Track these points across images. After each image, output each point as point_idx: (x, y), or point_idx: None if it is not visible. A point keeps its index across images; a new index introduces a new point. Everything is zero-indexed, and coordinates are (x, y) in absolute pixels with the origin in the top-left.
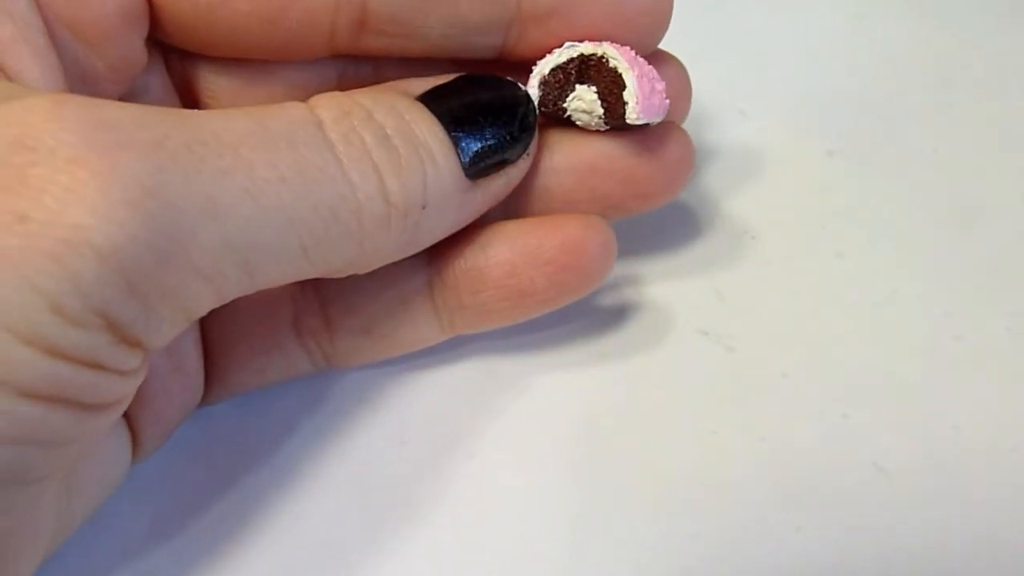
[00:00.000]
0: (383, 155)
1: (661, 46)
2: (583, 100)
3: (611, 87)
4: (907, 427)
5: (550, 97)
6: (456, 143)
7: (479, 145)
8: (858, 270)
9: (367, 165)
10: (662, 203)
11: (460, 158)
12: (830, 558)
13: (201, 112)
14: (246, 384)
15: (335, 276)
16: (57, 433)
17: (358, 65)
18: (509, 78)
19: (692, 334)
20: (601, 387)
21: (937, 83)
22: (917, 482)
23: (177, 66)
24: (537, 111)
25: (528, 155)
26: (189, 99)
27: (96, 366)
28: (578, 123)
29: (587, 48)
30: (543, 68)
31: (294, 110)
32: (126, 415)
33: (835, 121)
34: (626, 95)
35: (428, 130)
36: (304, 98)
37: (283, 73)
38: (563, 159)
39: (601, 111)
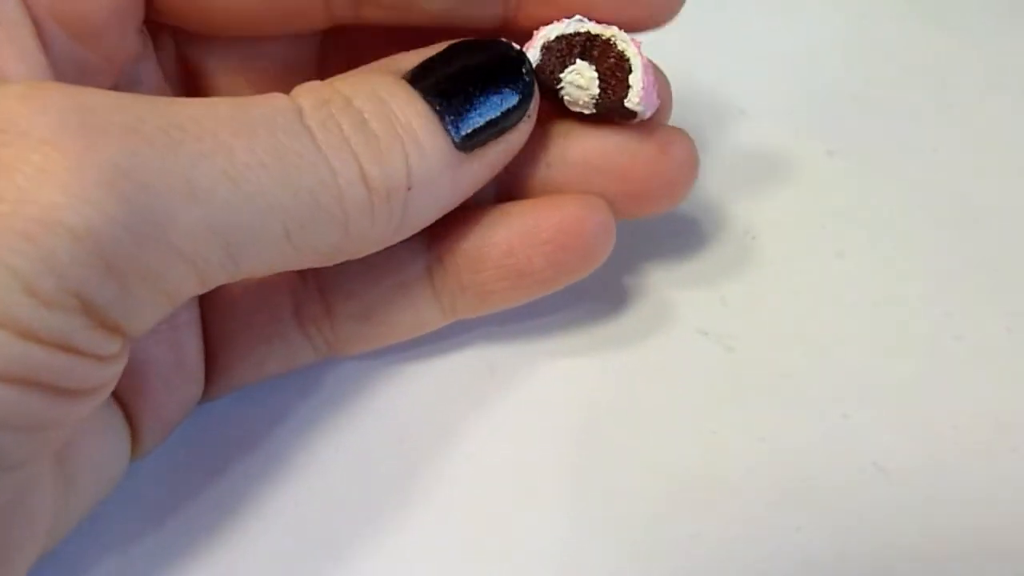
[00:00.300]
0: (360, 140)
1: (660, 46)
2: (581, 76)
3: (614, 70)
4: (907, 427)
5: (548, 65)
6: (443, 117)
7: (470, 116)
8: (858, 270)
9: (346, 152)
10: (661, 208)
11: (450, 133)
12: (830, 558)
13: (179, 99)
14: (247, 376)
15: (327, 264)
16: (32, 418)
17: (348, 45)
18: (504, 39)
19: (692, 334)
20: (601, 386)
21: (937, 83)
22: (917, 482)
23: (168, 54)
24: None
25: (529, 118)
26: (181, 87)
27: (71, 350)
28: (566, 99)
29: (595, 28)
30: (548, 33)
31: (274, 99)
32: (126, 411)
33: (835, 121)
34: (632, 79)
35: (410, 109)
36: (299, 81)
37: (277, 54)
38: (559, 153)
39: (597, 91)
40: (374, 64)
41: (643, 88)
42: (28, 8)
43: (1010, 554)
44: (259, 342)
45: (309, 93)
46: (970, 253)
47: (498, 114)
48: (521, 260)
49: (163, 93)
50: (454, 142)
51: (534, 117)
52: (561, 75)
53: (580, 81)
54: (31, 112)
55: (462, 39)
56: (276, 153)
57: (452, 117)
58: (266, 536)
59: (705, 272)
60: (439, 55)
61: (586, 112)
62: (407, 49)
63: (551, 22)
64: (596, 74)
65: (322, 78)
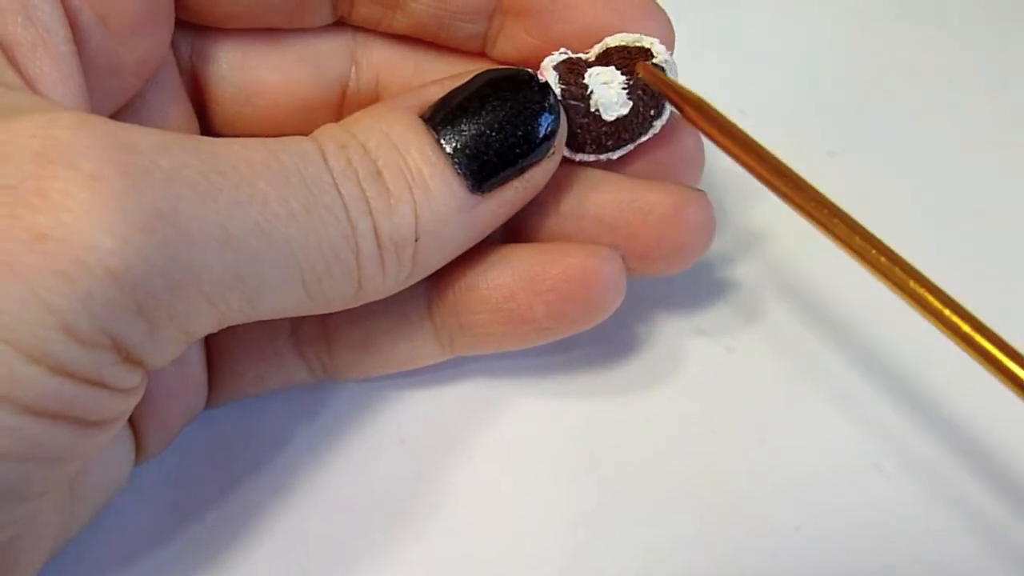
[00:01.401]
0: (374, 193)
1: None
2: (602, 73)
3: (626, 55)
4: (907, 427)
5: (570, 78)
6: (457, 160)
7: (487, 157)
8: (858, 270)
9: (363, 205)
10: (670, 270)
11: (464, 176)
12: (830, 558)
13: (218, 141)
14: (245, 390)
15: (332, 311)
16: (59, 449)
17: (359, 49)
18: (527, 69)
19: (692, 334)
20: (601, 387)
21: (937, 83)
22: (917, 482)
23: (184, 58)
24: (559, 98)
25: (553, 155)
26: (193, 95)
27: (100, 384)
28: (601, 103)
29: (584, 54)
30: (551, 60)
31: (301, 143)
32: (130, 419)
33: (835, 121)
34: (645, 43)
35: (420, 156)
36: (319, 95)
37: (289, 61)
38: (572, 204)
39: (622, 76)
40: (397, 98)
41: (658, 41)
42: (63, 2)
43: (1010, 554)
44: (257, 359)
45: (330, 139)
46: (970, 253)
47: (517, 153)
48: (522, 306)
49: (181, 99)
50: (468, 185)
51: (560, 153)
52: (585, 80)
53: (604, 77)
54: (83, 145)
55: (485, 69)
56: (306, 205)
57: (467, 159)
58: (265, 545)
59: (705, 272)
60: (458, 89)
61: (624, 112)
62: (407, 69)
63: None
64: (612, 66)
65: (340, 116)
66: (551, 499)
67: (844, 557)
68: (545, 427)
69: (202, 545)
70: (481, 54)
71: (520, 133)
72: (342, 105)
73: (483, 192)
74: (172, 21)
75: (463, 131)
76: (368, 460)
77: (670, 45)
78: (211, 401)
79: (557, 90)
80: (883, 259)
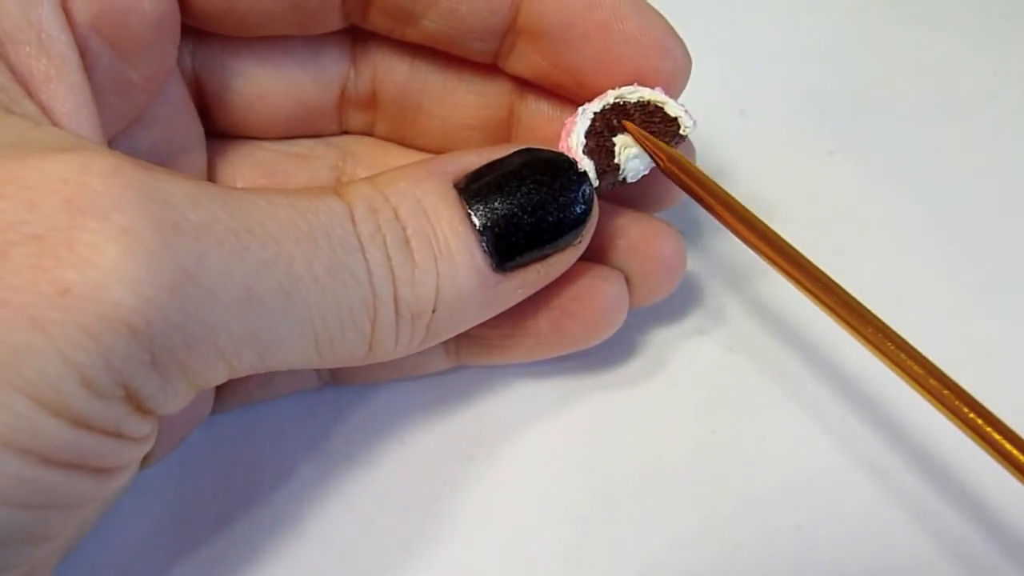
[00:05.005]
0: (400, 261)
1: None
2: (629, 146)
3: (647, 120)
4: (907, 427)
5: (604, 160)
6: (485, 236)
7: (515, 240)
8: (858, 270)
9: (387, 272)
10: (640, 303)
11: (489, 255)
12: (830, 558)
13: (248, 194)
14: (254, 395)
15: (337, 367)
16: (75, 497)
17: (362, 61)
18: (567, 156)
19: (692, 334)
20: (601, 387)
21: (937, 83)
22: (917, 482)
23: (187, 66)
24: (595, 186)
25: (580, 243)
26: (199, 97)
27: (115, 435)
28: (629, 173)
29: (595, 105)
30: (579, 139)
31: (330, 202)
32: None
33: (835, 121)
34: (670, 110)
35: (451, 229)
36: (319, 96)
37: (293, 83)
38: None
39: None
40: (434, 161)
41: (686, 110)
42: (73, 29)
43: (1010, 554)
44: None
45: (361, 201)
46: (970, 253)
47: (545, 239)
48: (528, 320)
49: (188, 110)
50: (492, 263)
51: (586, 243)
52: (617, 160)
53: (632, 151)
54: (114, 195)
55: (526, 147)
56: (330, 269)
57: (494, 238)
58: (268, 545)
59: (705, 272)
60: (496, 164)
61: (647, 171)
62: (412, 70)
63: (568, 129)
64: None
65: (339, 115)
66: (551, 500)
67: (844, 557)
68: (545, 427)
69: (203, 547)
70: (493, 66)
71: (551, 219)
72: (341, 105)
73: (505, 271)
74: (178, 37)
75: (496, 209)
76: (368, 461)
77: (686, 78)
78: (218, 407)
79: (592, 175)
80: (847, 314)
